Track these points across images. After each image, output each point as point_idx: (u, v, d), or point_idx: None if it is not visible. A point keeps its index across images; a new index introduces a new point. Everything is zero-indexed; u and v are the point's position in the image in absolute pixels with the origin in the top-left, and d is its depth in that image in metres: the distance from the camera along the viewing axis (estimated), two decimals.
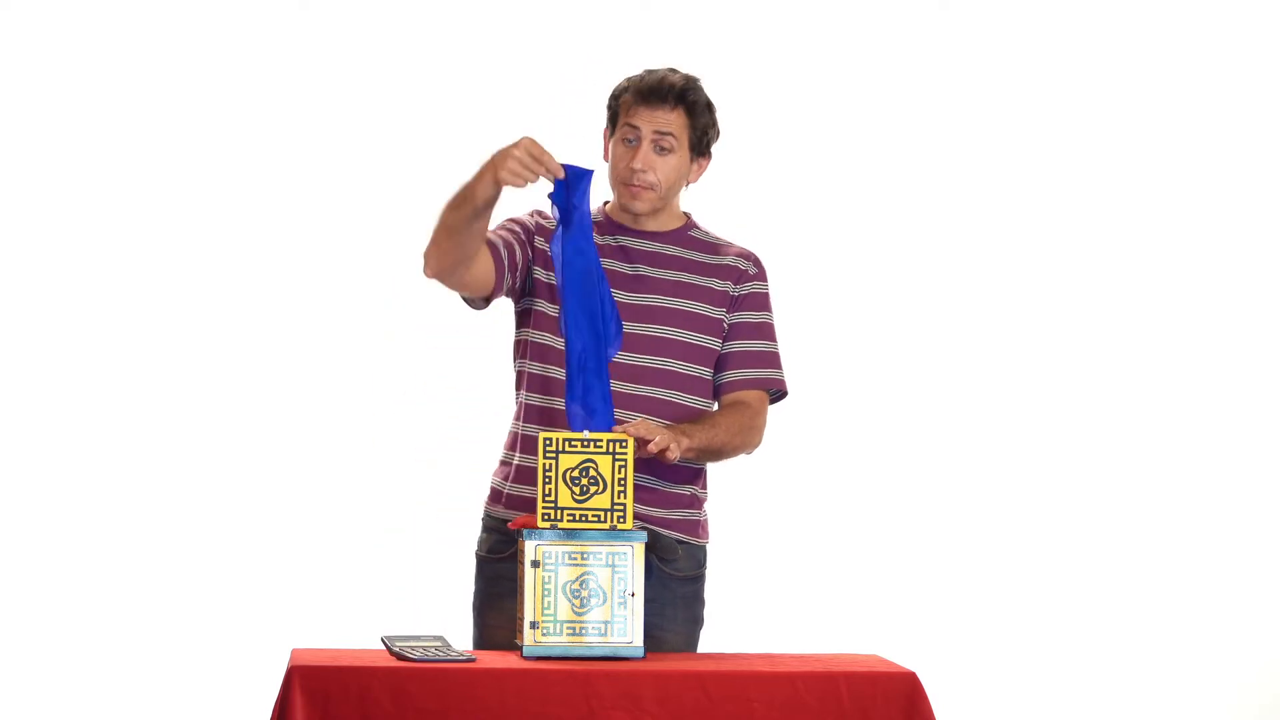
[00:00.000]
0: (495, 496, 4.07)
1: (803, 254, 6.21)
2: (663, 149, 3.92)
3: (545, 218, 4.04)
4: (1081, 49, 6.24)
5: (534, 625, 3.63)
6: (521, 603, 3.65)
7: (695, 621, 4.05)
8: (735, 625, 5.77)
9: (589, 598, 3.65)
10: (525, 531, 3.66)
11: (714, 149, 4.05)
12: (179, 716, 5.95)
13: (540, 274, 3.99)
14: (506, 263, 3.95)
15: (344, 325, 6.07)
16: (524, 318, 4.05)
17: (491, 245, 3.93)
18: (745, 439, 4.01)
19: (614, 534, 3.68)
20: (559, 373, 3.94)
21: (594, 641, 3.64)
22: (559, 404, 3.93)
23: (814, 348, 6.20)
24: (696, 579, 4.06)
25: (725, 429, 3.96)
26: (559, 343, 3.93)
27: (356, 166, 6.08)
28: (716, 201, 6.14)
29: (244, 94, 6.04)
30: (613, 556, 3.66)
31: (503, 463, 4.07)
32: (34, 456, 5.99)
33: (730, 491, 6.15)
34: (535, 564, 3.65)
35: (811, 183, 6.22)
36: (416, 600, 5.85)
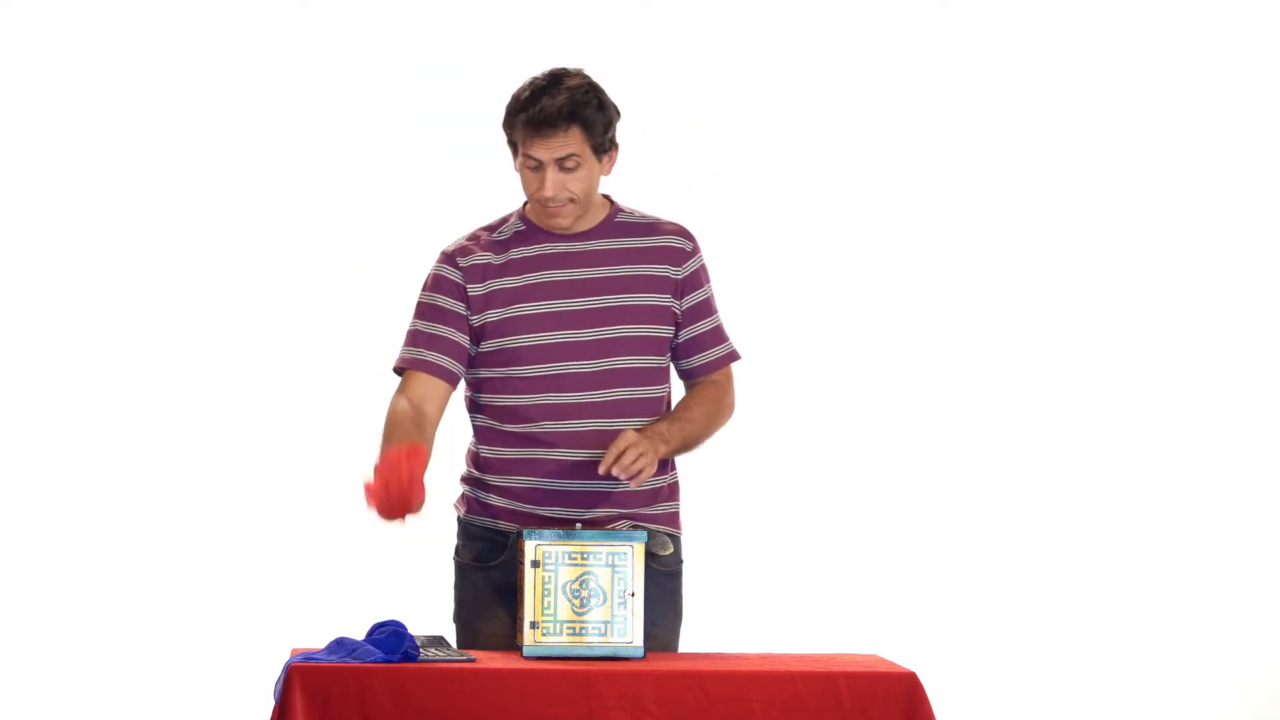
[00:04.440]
0: (471, 506, 4.04)
1: (802, 253, 6.21)
2: (568, 168, 3.87)
3: (462, 254, 3.99)
4: (1081, 49, 6.24)
5: (534, 625, 3.63)
6: (521, 603, 3.65)
7: (678, 614, 4.04)
8: (734, 625, 5.77)
9: (589, 598, 3.65)
10: (525, 531, 3.66)
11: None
12: (179, 716, 5.95)
13: (490, 316, 3.96)
14: (459, 368, 3.96)
15: (346, 325, 6.07)
16: (473, 360, 4.02)
17: (436, 369, 3.94)
18: (719, 420, 4.05)
19: (614, 534, 3.68)
20: (515, 399, 3.95)
21: (594, 641, 3.64)
22: (520, 428, 3.95)
23: (815, 348, 6.20)
24: (677, 574, 4.04)
25: (700, 417, 3.99)
26: (517, 371, 3.94)
27: (356, 166, 6.08)
28: (717, 200, 6.16)
29: (244, 94, 6.04)
30: (613, 556, 3.66)
31: (470, 479, 4.06)
32: (34, 458, 5.99)
33: (731, 491, 6.16)
34: (535, 564, 3.65)
35: (811, 182, 6.21)
36: (416, 601, 5.84)
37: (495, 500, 4.00)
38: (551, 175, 3.86)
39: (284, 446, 6.04)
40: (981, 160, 6.24)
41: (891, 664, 3.65)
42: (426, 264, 6.13)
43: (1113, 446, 6.26)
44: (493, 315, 3.94)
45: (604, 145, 3.91)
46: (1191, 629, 6.25)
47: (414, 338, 4.00)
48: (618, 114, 3.95)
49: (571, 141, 3.85)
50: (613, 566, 3.66)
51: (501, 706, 3.44)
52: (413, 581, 5.89)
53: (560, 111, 3.83)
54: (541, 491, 3.95)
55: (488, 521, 4.01)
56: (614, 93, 6.18)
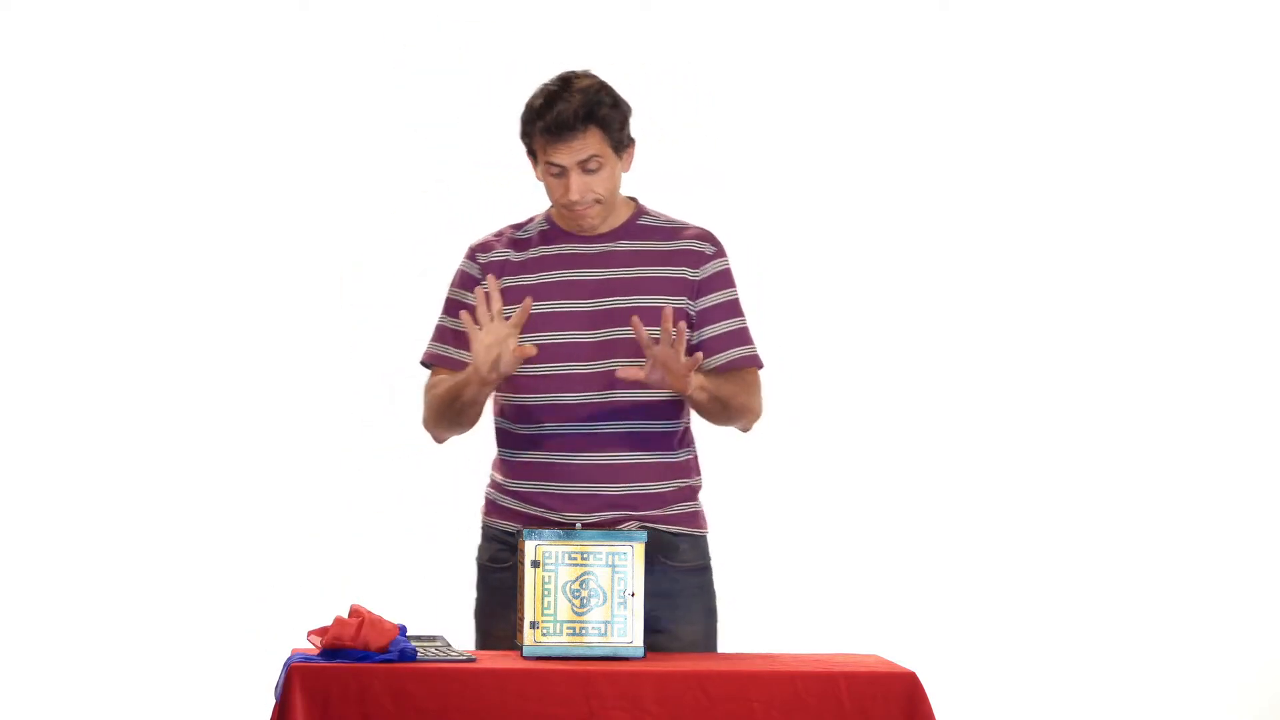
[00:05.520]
0: (489, 508, 4.07)
1: (802, 253, 6.21)
2: (590, 170, 3.88)
3: (484, 249, 4.00)
4: (1081, 49, 6.24)
5: (534, 625, 3.63)
6: (521, 602, 3.65)
7: (710, 613, 4.05)
8: (735, 624, 5.77)
9: (589, 598, 3.65)
10: (525, 531, 3.67)
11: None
12: (179, 716, 5.95)
13: (504, 313, 3.93)
14: None
15: (346, 325, 6.08)
16: None
17: (461, 366, 3.96)
18: (744, 407, 3.98)
19: (614, 534, 3.69)
20: (524, 398, 3.96)
21: (594, 641, 3.65)
22: (529, 430, 3.97)
23: (816, 348, 6.20)
24: (704, 569, 4.05)
25: (728, 389, 3.93)
26: (526, 369, 3.92)
27: (356, 166, 6.08)
28: (717, 200, 6.16)
29: (244, 94, 6.04)
30: (613, 556, 3.67)
31: (492, 483, 4.08)
32: (34, 458, 5.99)
33: (731, 490, 6.16)
34: (535, 564, 3.66)
35: (811, 182, 6.22)
36: (416, 601, 5.84)
37: (509, 503, 4.02)
38: (575, 179, 3.87)
39: (284, 446, 6.04)
40: (981, 160, 6.25)
41: (891, 664, 3.65)
42: (426, 264, 6.15)
43: (1113, 447, 6.26)
44: (505, 312, 3.93)
45: (622, 142, 3.91)
46: (1191, 629, 6.25)
47: (440, 334, 4.07)
48: (630, 110, 3.95)
49: (591, 142, 3.86)
50: (613, 566, 3.66)
51: (501, 706, 3.44)
52: (413, 581, 5.90)
53: (576, 114, 3.84)
54: (550, 495, 3.96)
55: (501, 524, 4.03)
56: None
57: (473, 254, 4.04)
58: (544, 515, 3.96)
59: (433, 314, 6.12)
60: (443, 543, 5.92)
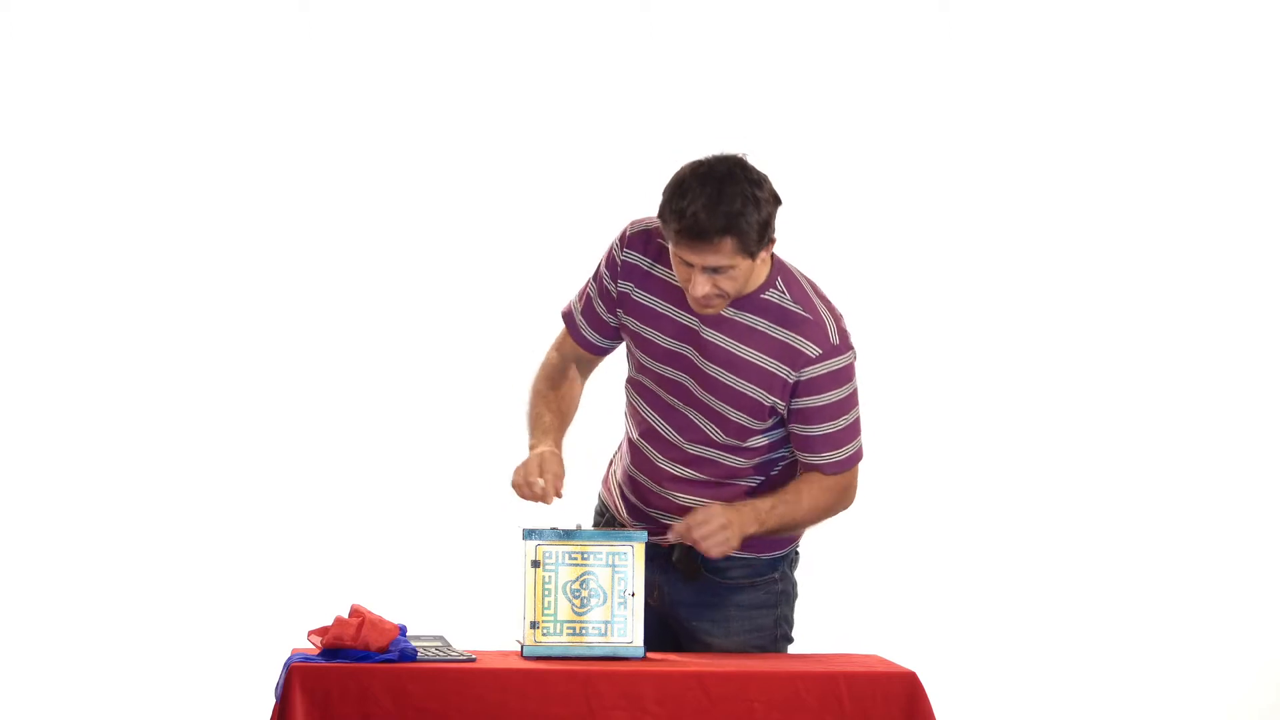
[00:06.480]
0: (604, 485, 4.11)
1: (801, 254, 6.20)
2: (719, 273, 3.73)
3: (633, 243, 3.93)
4: (1081, 49, 6.24)
5: (534, 625, 3.63)
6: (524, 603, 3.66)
7: (759, 631, 4.02)
8: None
9: (589, 598, 3.65)
10: (525, 531, 3.67)
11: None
12: (179, 716, 5.96)
13: (621, 316, 3.95)
14: (605, 343, 4.00)
15: (346, 325, 6.07)
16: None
17: (582, 339, 3.99)
18: (832, 510, 4.02)
19: (614, 534, 3.69)
20: (634, 400, 3.97)
21: (594, 641, 3.65)
22: (627, 424, 4.00)
23: None
24: (754, 587, 4.03)
25: (809, 503, 3.96)
26: (636, 377, 3.96)
27: (356, 166, 6.08)
28: None
29: (244, 94, 6.04)
30: (613, 556, 3.67)
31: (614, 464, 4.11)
32: (34, 458, 5.99)
33: None
34: (535, 564, 3.66)
35: (811, 183, 6.21)
36: (418, 600, 5.84)
37: (611, 481, 4.07)
38: (700, 278, 3.73)
39: (285, 446, 6.04)
40: (981, 160, 6.25)
41: (891, 664, 3.66)
42: (426, 264, 6.15)
43: (1113, 447, 6.26)
44: (622, 316, 3.95)
45: (760, 248, 3.75)
46: (1192, 630, 6.25)
47: (582, 296, 4.02)
48: (778, 202, 3.78)
49: (723, 253, 3.70)
50: (613, 566, 3.66)
51: (501, 706, 3.44)
52: (413, 581, 5.90)
53: (714, 228, 3.67)
54: (624, 495, 4.00)
55: (604, 494, 4.08)
56: (614, 93, 6.19)
57: (622, 241, 3.94)
58: (613, 511, 4.02)
59: (431, 314, 6.16)
60: (443, 543, 5.93)
